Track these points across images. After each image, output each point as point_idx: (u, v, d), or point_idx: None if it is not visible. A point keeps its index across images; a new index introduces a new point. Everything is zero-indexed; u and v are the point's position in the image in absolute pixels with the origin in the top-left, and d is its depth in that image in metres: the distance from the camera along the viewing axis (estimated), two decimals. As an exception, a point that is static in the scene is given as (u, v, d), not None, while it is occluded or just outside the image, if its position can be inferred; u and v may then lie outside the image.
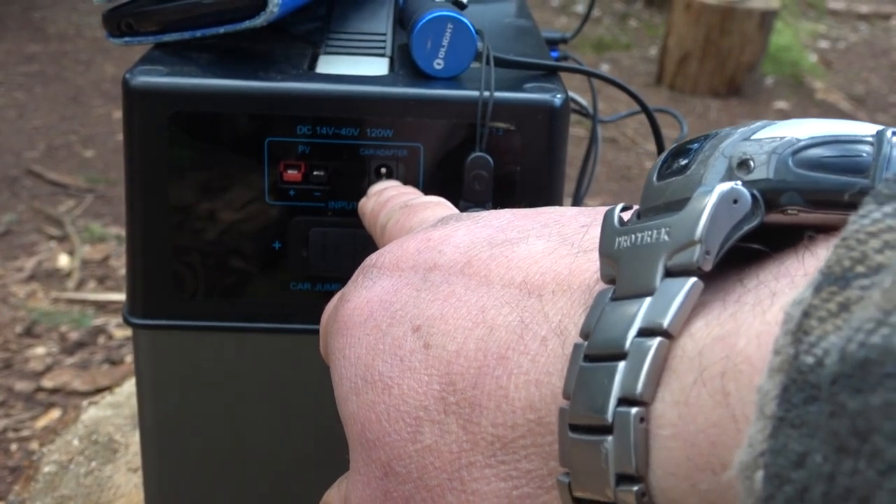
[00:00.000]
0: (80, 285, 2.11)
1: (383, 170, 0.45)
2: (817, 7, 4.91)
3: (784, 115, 3.53)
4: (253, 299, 0.47)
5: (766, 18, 3.56)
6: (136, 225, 0.46)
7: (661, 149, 0.51)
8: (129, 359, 1.86)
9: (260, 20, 0.45)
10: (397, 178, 0.45)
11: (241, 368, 0.48)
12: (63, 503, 0.65)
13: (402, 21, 0.50)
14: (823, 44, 4.50)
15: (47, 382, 1.77)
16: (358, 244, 0.46)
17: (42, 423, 1.68)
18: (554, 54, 0.63)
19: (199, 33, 0.47)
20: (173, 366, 0.48)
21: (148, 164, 0.45)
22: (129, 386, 0.79)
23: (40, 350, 1.87)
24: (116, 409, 0.75)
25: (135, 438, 0.72)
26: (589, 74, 0.48)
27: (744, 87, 3.67)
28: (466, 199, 0.44)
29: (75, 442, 0.71)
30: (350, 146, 0.45)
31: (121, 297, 2.05)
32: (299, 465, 0.51)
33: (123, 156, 0.45)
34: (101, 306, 2.03)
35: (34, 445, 1.63)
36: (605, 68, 3.82)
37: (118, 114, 3.08)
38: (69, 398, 1.74)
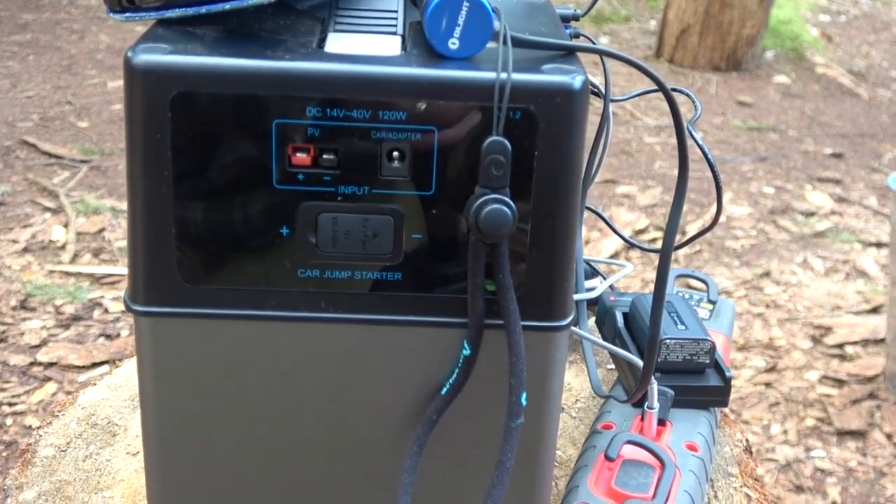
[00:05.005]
0: (75, 258, 2.09)
1: (395, 153, 0.43)
2: (818, -20, 4.87)
3: (785, 89, 3.51)
4: (259, 287, 0.45)
5: (768, -9, 3.53)
6: (137, 209, 0.44)
7: (679, 130, 0.49)
8: (124, 332, 1.84)
9: (267, -4, 0.43)
10: (410, 163, 0.43)
11: (246, 358, 0.47)
12: (61, 488, 0.63)
13: (414, -3, 0.48)
14: (824, 17, 4.47)
15: (42, 356, 1.76)
16: (368, 230, 0.44)
17: (37, 397, 1.67)
18: (566, 31, 0.61)
19: (203, 9, 0.45)
20: (176, 354, 0.46)
21: (150, 146, 0.43)
22: (128, 366, 0.77)
23: (35, 324, 1.86)
24: (115, 390, 0.74)
25: (134, 422, 0.70)
26: (614, 57, 0.46)
27: (744, 61, 3.64)
28: (483, 185, 0.42)
29: (73, 425, 0.70)
30: (361, 129, 0.43)
31: (116, 269, 2.04)
32: (305, 456, 0.49)
33: (125, 137, 0.43)
34: (97, 279, 2.01)
35: (29, 420, 1.62)
36: (604, 41, 3.79)
37: (112, 84, 3.05)
38: (64, 373, 1.73)
